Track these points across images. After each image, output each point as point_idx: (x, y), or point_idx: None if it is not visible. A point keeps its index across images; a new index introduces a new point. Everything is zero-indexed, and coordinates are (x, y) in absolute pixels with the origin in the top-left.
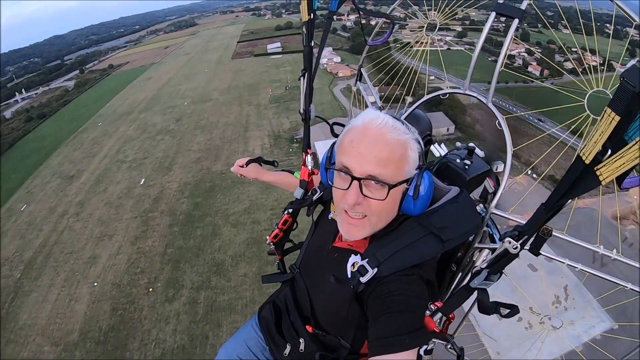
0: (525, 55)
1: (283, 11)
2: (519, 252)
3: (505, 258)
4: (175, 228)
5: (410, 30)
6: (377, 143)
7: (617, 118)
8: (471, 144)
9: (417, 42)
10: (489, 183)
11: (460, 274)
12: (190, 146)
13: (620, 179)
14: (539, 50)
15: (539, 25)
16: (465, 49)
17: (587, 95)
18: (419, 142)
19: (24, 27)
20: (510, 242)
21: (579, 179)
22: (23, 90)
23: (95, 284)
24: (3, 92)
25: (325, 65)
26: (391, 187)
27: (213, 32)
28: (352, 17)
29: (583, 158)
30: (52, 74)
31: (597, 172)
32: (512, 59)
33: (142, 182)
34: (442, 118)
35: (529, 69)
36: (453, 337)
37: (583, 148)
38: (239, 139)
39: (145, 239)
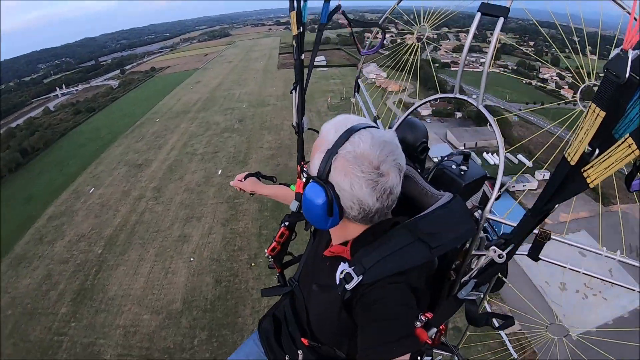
0: (557, 79)
1: (315, 27)
2: (506, 261)
3: (492, 268)
4: (266, 213)
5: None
6: None
7: (602, 114)
8: (466, 150)
9: (408, 46)
10: (488, 188)
11: (458, 283)
12: (261, 144)
13: (628, 182)
14: (570, 75)
15: (567, 50)
16: (499, 71)
17: (580, 89)
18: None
19: (54, 28)
20: (495, 251)
21: (565, 181)
22: (63, 85)
23: (192, 259)
24: (41, 87)
25: (374, 80)
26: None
27: (250, 43)
28: (387, 35)
29: (568, 159)
30: (89, 73)
31: (585, 174)
32: (545, 82)
33: (219, 173)
34: (490, 132)
35: (562, 92)
36: (458, 348)
37: (568, 148)
38: (308, 140)
39: (236, 221)
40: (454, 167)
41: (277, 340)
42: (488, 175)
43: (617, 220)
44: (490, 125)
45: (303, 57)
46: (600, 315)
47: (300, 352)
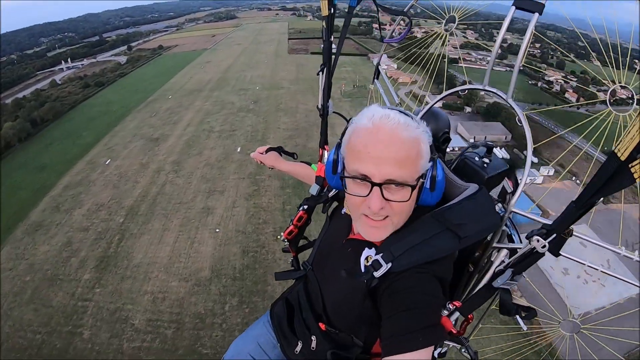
0: (562, 82)
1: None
2: (547, 251)
3: (531, 257)
4: (288, 190)
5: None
6: (392, 144)
7: None
8: (490, 142)
9: (435, 36)
10: (507, 183)
11: (477, 274)
12: (278, 125)
13: None
14: (574, 80)
15: (572, 55)
16: (506, 70)
17: (609, 91)
18: (428, 133)
19: (56, 2)
20: (538, 241)
21: (613, 176)
22: (69, 59)
23: (217, 230)
24: (46, 60)
25: (384, 70)
26: (414, 187)
27: (258, 27)
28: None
29: (618, 155)
30: (95, 48)
31: (632, 170)
32: (550, 84)
33: (238, 150)
34: (499, 127)
35: (566, 95)
36: (468, 340)
37: (619, 144)
38: (331, 125)
39: (259, 196)
40: (477, 159)
41: (289, 325)
42: (510, 170)
43: (615, 217)
44: (518, 119)
45: (332, 39)
46: (599, 300)
47: (313, 337)
